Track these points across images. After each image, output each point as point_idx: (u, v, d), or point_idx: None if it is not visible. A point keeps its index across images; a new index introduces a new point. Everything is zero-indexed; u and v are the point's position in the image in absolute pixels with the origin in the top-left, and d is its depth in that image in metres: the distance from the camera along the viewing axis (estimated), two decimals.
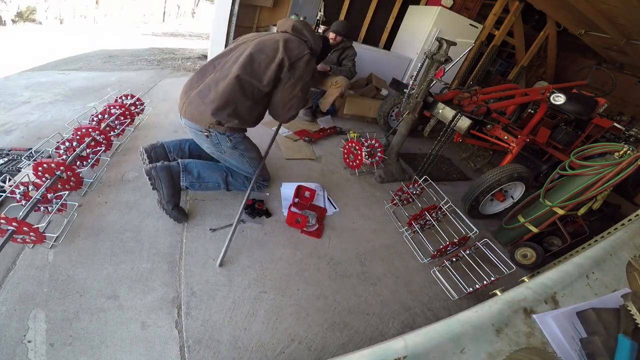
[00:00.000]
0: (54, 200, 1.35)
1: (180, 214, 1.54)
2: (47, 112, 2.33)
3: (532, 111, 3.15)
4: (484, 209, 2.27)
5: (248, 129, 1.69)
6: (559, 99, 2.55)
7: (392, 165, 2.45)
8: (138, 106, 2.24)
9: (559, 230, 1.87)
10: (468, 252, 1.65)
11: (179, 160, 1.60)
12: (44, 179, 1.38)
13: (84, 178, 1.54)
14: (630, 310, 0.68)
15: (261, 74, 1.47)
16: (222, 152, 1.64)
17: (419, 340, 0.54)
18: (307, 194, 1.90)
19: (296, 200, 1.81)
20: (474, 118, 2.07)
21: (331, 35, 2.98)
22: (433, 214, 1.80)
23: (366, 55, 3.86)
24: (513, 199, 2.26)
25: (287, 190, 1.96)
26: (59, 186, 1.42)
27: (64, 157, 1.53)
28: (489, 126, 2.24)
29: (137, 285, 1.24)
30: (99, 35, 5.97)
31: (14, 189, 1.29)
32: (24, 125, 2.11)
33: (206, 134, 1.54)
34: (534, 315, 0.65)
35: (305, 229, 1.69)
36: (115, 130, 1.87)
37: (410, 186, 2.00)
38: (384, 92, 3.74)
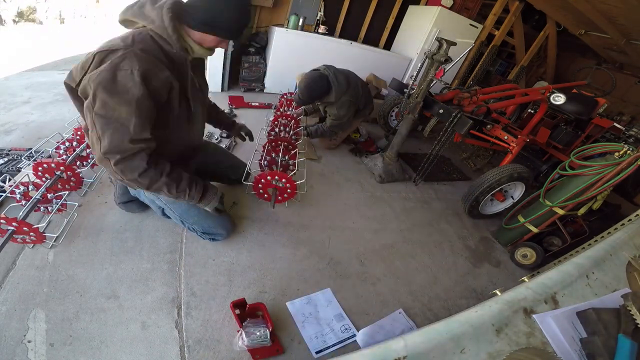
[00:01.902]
0: (54, 200, 1.35)
1: (128, 208, 1.53)
2: (47, 112, 2.33)
3: (532, 111, 3.15)
4: (484, 209, 2.27)
5: None
6: (559, 99, 2.55)
7: (392, 165, 2.45)
8: None
9: (559, 230, 1.87)
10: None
11: None
12: (44, 179, 1.38)
13: (84, 178, 1.54)
14: (630, 310, 0.67)
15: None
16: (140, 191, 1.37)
17: (419, 340, 0.54)
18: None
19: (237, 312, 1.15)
20: (474, 118, 2.07)
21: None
22: None
23: (366, 55, 3.86)
24: (513, 199, 2.26)
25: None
26: (59, 186, 1.42)
27: (64, 157, 1.53)
28: (489, 126, 2.24)
29: (137, 285, 1.24)
30: (99, 35, 5.98)
31: (14, 189, 1.29)
32: (24, 125, 2.11)
33: None
34: (534, 315, 0.65)
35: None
36: None
37: None
38: (384, 92, 3.74)
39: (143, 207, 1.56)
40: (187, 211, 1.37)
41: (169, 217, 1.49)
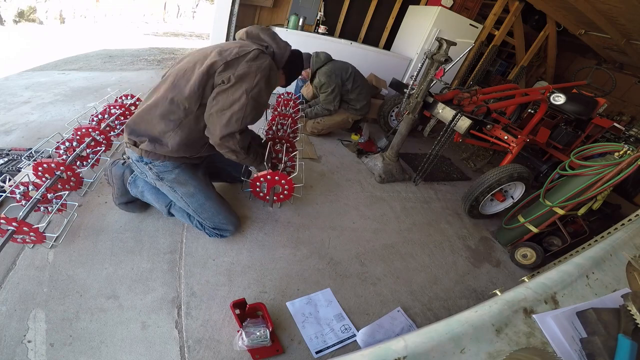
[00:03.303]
0: (54, 200, 1.35)
1: (129, 208, 1.53)
2: (47, 112, 2.33)
3: (532, 111, 3.15)
4: (484, 209, 2.27)
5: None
6: (559, 99, 2.55)
7: (392, 165, 2.45)
8: (138, 106, 2.23)
9: (559, 230, 1.87)
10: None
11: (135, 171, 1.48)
12: (44, 179, 1.38)
13: (84, 178, 1.54)
14: (630, 310, 0.67)
15: (183, 86, 1.18)
16: (152, 183, 1.42)
17: (419, 340, 0.53)
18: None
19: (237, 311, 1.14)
20: (474, 118, 2.07)
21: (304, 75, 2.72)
22: None
23: (366, 55, 3.86)
24: (513, 199, 2.26)
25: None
26: (59, 186, 1.42)
27: (64, 157, 1.53)
28: (489, 126, 2.24)
29: (137, 285, 1.24)
30: (99, 35, 5.97)
31: (14, 189, 1.29)
32: (24, 125, 2.11)
33: (126, 157, 1.42)
34: (534, 315, 0.65)
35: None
36: (115, 130, 1.86)
37: None
38: (384, 92, 3.74)
39: (143, 207, 1.57)
40: (202, 205, 1.41)
41: (173, 215, 1.51)
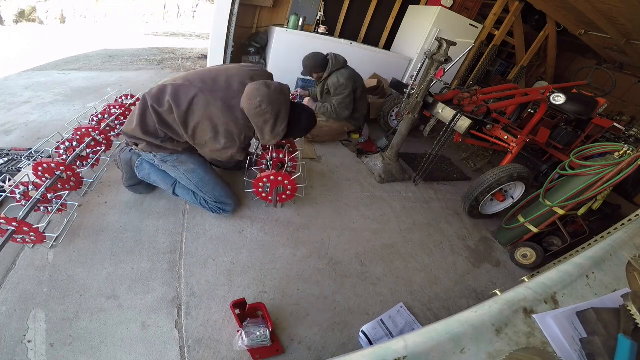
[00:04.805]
0: (54, 200, 1.35)
1: (136, 190, 1.66)
2: (47, 112, 2.33)
3: (532, 111, 3.15)
4: (484, 209, 2.27)
5: None
6: (559, 99, 2.55)
7: (392, 165, 2.45)
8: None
9: (559, 230, 1.87)
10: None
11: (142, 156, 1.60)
12: (44, 179, 1.38)
13: (84, 178, 1.54)
14: (630, 310, 0.67)
15: (179, 130, 1.39)
16: (158, 166, 1.57)
17: (419, 340, 0.53)
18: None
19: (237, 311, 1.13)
20: (474, 118, 2.06)
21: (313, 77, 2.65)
22: None
23: (366, 55, 3.86)
24: (513, 199, 2.26)
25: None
26: (59, 186, 1.42)
27: (64, 157, 1.53)
28: (489, 126, 2.24)
29: (137, 285, 1.24)
30: (99, 35, 5.97)
31: (14, 189, 1.29)
32: (24, 125, 2.11)
33: (130, 149, 1.59)
34: (534, 315, 0.65)
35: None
36: (115, 130, 1.86)
37: None
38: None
39: (149, 188, 1.69)
40: (203, 179, 1.55)
41: (178, 196, 1.62)
